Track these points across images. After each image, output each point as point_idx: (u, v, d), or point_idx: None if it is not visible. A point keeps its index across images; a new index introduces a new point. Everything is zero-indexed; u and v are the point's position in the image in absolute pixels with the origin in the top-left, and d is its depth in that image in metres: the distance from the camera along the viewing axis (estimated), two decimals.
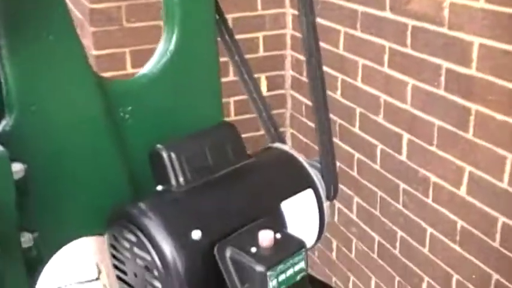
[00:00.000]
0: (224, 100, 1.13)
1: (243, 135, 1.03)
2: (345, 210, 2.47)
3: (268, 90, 2.73)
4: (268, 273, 0.84)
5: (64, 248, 1.09)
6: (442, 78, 1.79)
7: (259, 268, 0.84)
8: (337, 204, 2.52)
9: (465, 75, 1.71)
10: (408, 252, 2.13)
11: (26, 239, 0.93)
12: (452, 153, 1.82)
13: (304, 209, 1.01)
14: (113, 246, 0.94)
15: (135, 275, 0.92)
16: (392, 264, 2.23)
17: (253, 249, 0.86)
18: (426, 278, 2.06)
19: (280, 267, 0.86)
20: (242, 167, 0.99)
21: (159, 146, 0.95)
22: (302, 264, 0.89)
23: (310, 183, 1.03)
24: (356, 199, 2.38)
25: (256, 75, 1.12)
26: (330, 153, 1.08)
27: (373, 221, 2.29)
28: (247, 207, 0.95)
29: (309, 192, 1.02)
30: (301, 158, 1.07)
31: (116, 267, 0.96)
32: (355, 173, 2.34)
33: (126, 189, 1.11)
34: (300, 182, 1.02)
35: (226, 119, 1.10)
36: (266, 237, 0.87)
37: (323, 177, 1.06)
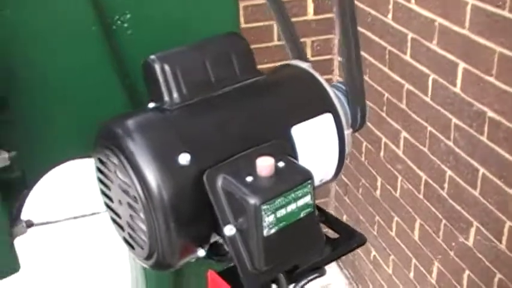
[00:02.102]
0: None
1: None
2: (392, 145, 2.31)
3: (316, 55, 2.57)
4: (264, 206, 0.71)
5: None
6: None
7: (253, 200, 0.71)
8: (384, 139, 2.36)
9: None
10: (457, 194, 1.96)
11: (1, 158, 0.85)
12: None
13: (320, 137, 0.87)
14: (99, 170, 0.84)
15: (120, 203, 0.81)
16: (439, 207, 2.07)
17: (249, 179, 0.74)
18: (475, 223, 1.90)
19: (279, 200, 0.72)
20: (249, 84, 0.86)
21: (151, 57, 0.83)
22: (307, 199, 0.75)
23: (329, 107, 0.88)
24: (403, 134, 2.20)
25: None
26: (358, 73, 0.93)
27: (420, 158, 2.12)
28: (250, 131, 0.82)
29: (328, 117, 0.88)
30: (322, 78, 0.92)
31: (102, 193, 0.86)
32: (403, 105, 2.16)
33: (125, 107, 1.01)
34: (317, 105, 0.88)
35: None
36: (265, 164, 0.74)
37: (348, 102, 0.92)
